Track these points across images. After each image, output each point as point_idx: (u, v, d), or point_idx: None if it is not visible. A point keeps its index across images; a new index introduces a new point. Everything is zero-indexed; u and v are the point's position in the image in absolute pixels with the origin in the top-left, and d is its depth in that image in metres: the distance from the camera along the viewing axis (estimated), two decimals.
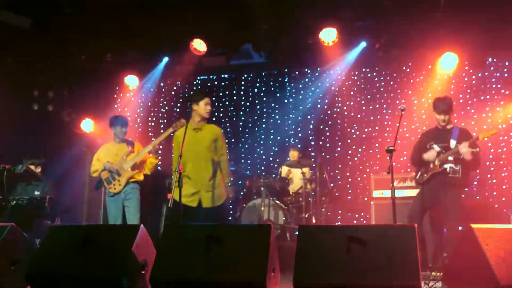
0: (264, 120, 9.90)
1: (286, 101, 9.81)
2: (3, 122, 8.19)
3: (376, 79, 9.14)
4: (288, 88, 9.84)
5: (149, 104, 9.98)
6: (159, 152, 8.55)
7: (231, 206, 9.14)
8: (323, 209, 8.08)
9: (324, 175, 8.18)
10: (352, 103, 9.33)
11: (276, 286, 3.89)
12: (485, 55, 8.41)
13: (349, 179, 9.17)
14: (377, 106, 9.11)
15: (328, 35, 7.79)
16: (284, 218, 7.69)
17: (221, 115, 10.09)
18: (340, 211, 8.90)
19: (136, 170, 6.40)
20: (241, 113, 10.01)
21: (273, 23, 7.94)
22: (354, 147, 9.23)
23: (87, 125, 9.15)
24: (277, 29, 8.06)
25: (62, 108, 9.20)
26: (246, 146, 9.93)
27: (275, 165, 9.53)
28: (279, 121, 9.82)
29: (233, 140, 9.90)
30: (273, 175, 8.70)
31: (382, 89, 9.09)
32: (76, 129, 9.17)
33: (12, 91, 8.69)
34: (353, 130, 9.29)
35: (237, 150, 9.87)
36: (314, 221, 7.69)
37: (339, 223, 8.64)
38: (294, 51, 8.64)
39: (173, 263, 3.75)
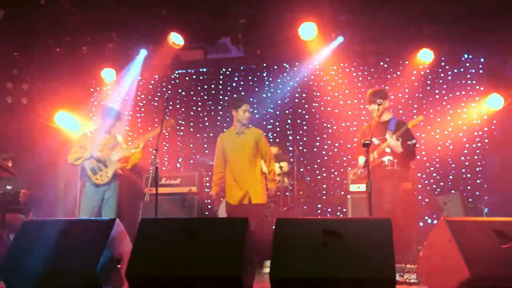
0: None
1: (264, 95, 9.80)
2: None
3: (354, 74, 9.17)
4: (267, 83, 9.83)
5: (126, 98, 9.87)
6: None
7: (208, 201, 9.13)
8: (301, 203, 8.11)
9: (302, 169, 8.21)
10: (330, 98, 9.37)
11: (252, 280, 3.90)
12: (460, 52, 8.50)
13: (326, 174, 9.22)
14: (355, 101, 9.16)
15: (307, 29, 7.80)
16: None
17: (199, 109, 10.04)
18: (317, 205, 8.95)
19: (123, 163, 6.32)
20: (219, 107, 9.98)
21: (251, 16, 7.92)
22: (331, 142, 9.28)
23: (62, 118, 9.01)
24: (255, 23, 8.03)
25: (37, 101, 9.04)
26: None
27: None
28: (257, 116, 9.78)
29: (211, 134, 9.85)
30: None
31: (359, 84, 9.13)
32: (50, 122, 9.03)
33: None
34: (330, 125, 9.33)
35: (215, 143, 9.79)
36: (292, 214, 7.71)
37: (318, 217, 8.70)
38: (272, 45, 8.62)
39: (149, 257, 3.73)
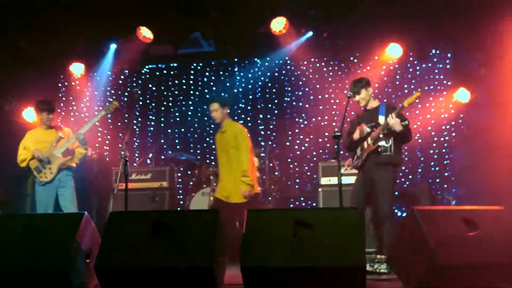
0: None
1: (235, 90, 9.77)
2: None
3: (324, 69, 9.23)
4: (238, 78, 9.81)
5: (96, 93, 9.73)
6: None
7: (181, 197, 9.07)
8: (271, 197, 8.13)
9: (272, 164, 8.23)
10: (300, 93, 9.43)
11: (224, 271, 3.89)
12: (428, 47, 8.64)
13: (297, 168, 9.27)
14: (326, 95, 9.22)
15: (277, 24, 7.82)
16: None
17: (170, 104, 9.96)
18: (289, 200, 8.98)
19: (68, 157, 6.22)
20: (190, 102, 9.91)
21: (222, 11, 7.89)
22: (302, 136, 9.33)
23: (30, 114, 8.82)
24: (226, 17, 8.01)
25: (3, 97, 8.83)
26: (196, 135, 9.86)
27: None
28: (228, 111, 9.76)
29: (182, 129, 9.81)
30: None
31: (330, 79, 9.20)
32: (17, 119, 8.83)
33: None
34: (301, 120, 9.38)
35: (186, 139, 9.80)
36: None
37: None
38: (243, 40, 8.61)
39: (119, 250, 3.69)
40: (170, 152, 9.26)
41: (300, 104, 9.42)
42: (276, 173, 8.48)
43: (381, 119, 5.51)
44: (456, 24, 7.71)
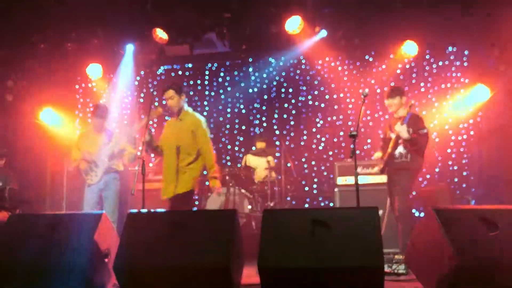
0: (228, 109, 9.86)
1: (250, 90, 9.78)
2: None
3: (339, 68, 9.19)
4: (253, 78, 9.81)
5: (112, 94, 9.80)
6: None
7: (196, 197, 9.08)
8: (288, 198, 8.11)
9: (289, 164, 8.21)
10: (316, 92, 9.40)
11: (241, 271, 3.89)
12: (445, 44, 8.56)
13: (314, 167, 9.24)
14: (341, 95, 9.18)
15: (292, 23, 7.81)
16: (249, 207, 7.68)
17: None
18: (305, 199, 8.96)
19: (113, 160, 6.30)
20: (205, 103, 9.94)
21: (236, 11, 7.89)
22: (318, 136, 9.30)
23: (48, 115, 8.92)
24: (240, 17, 8.01)
25: (22, 99, 8.93)
26: (211, 136, 9.82)
27: (240, 155, 9.52)
28: (243, 111, 9.80)
29: None
30: (238, 164, 8.68)
31: (345, 78, 9.16)
32: (36, 120, 8.93)
33: None
34: (317, 119, 9.35)
35: None
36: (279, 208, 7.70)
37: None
38: (258, 40, 8.60)
39: (136, 250, 3.70)
40: None
41: (316, 103, 9.40)
42: (294, 173, 8.46)
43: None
44: (473, 20, 7.62)
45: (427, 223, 3.87)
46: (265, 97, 9.74)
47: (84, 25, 8.14)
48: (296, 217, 3.67)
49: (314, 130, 9.34)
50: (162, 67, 9.97)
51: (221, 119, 9.82)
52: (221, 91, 9.92)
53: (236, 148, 9.72)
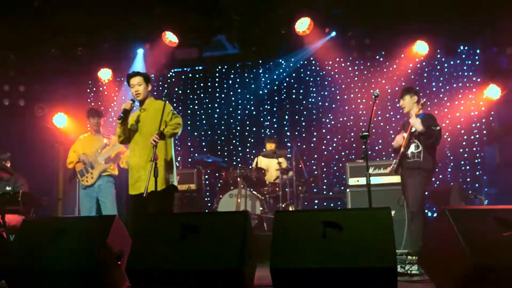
0: (239, 111, 9.88)
1: (261, 92, 9.79)
2: None
3: (350, 68, 9.16)
4: (263, 79, 9.82)
5: (123, 98, 9.85)
6: None
7: (208, 199, 9.09)
8: (300, 199, 8.10)
9: (300, 165, 8.20)
10: (326, 93, 9.39)
11: (253, 273, 3.89)
12: (456, 43, 8.49)
13: (325, 168, 9.23)
14: (352, 95, 9.15)
15: (301, 24, 7.80)
16: (261, 208, 7.68)
17: (196, 107, 10.05)
18: (316, 200, 8.94)
19: (110, 164, 6.37)
20: (216, 105, 9.97)
21: (245, 13, 7.90)
22: (329, 136, 9.29)
23: (60, 119, 8.98)
24: (250, 19, 8.02)
25: (33, 103, 9.01)
26: (222, 138, 9.91)
27: (251, 156, 9.53)
28: (254, 112, 9.81)
29: (209, 132, 9.89)
30: (250, 166, 8.68)
31: (356, 79, 9.14)
32: (48, 124, 9.00)
33: None
34: (328, 120, 9.33)
35: (212, 141, 9.85)
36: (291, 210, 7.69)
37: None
38: (267, 42, 8.60)
39: (149, 252, 3.72)
40: (197, 154, 9.31)
41: (326, 104, 9.39)
42: (306, 174, 8.45)
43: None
44: (484, 19, 7.56)
45: (440, 224, 3.84)
46: (276, 98, 9.75)
47: (94, 30, 8.19)
48: (307, 218, 3.65)
49: (324, 131, 9.33)
50: (172, 70, 10.02)
51: (231, 120, 9.85)
52: (231, 93, 9.94)
53: (247, 150, 9.73)
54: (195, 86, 10.10)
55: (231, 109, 9.91)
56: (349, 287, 3.39)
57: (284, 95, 9.73)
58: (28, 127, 8.99)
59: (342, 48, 8.58)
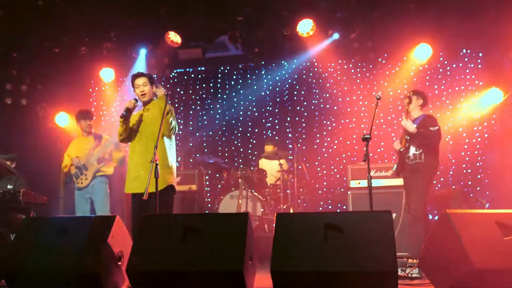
0: (241, 112, 9.88)
1: (263, 93, 9.79)
2: None
3: (352, 70, 9.16)
4: (265, 81, 9.82)
5: (125, 97, 9.85)
6: None
7: (209, 200, 9.09)
8: (300, 201, 8.09)
9: (301, 167, 8.20)
10: (328, 95, 9.38)
11: (254, 274, 3.88)
12: (459, 46, 8.49)
13: (326, 170, 9.21)
14: (354, 97, 9.14)
15: (304, 26, 7.81)
16: (262, 210, 7.69)
17: (198, 108, 10.05)
18: (318, 203, 8.93)
19: (102, 163, 6.38)
20: (218, 106, 9.97)
21: (249, 15, 7.90)
22: (330, 139, 9.28)
23: (62, 119, 8.99)
24: (253, 21, 8.02)
25: (36, 102, 9.02)
26: (224, 138, 9.91)
27: (253, 157, 9.53)
28: (256, 114, 9.81)
29: (210, 133, 9.88)
30: (251, 167, 8.68)
31: (358, 81, 9.13)
32: (50, 124, 9.01)
33: None
34: (329, 122, 9.33)
35: (214, 142, 9.85)
36: (292, 211, 7.69)
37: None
38: (270, 43, 8.60)
39: (150, 253, 3.72)
40: (198, 155, 9.32)
41: (328, 106, 9.38)
42: (307, 176, 8.45)
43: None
44: (487, 22, 7.55)
45: (441, 227, 3.84)
46: (278, 100, 9.75)
47: (97, 29, 8.21)
48: (309, 221, 3.65)
49: (326, 133, 9.32)
50: (175, 71, 10.03)
51: (233, 122, 9.84)
52: (233, 94, 9.94)
53: (249, 151, 9.73)
54: (197, 87, 10.10)
55: (233, 110, 9.91)
56: None
57: (286, 97, 9.73)
58: (30, 126, 8.99)
59: (344, 50, 8.58)
